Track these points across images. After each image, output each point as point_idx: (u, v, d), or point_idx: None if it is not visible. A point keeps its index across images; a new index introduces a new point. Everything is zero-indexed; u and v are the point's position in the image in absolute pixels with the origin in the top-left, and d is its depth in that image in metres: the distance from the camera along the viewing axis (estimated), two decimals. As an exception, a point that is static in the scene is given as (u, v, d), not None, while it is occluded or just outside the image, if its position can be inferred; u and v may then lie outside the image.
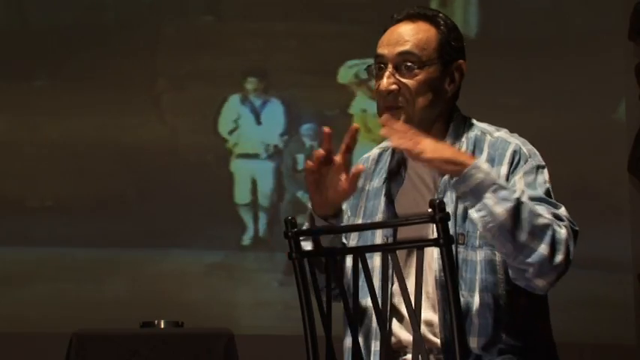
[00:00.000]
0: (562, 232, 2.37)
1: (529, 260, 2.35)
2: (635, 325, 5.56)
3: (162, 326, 4.72)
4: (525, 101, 5.86)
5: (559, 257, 2.35)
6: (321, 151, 2.43)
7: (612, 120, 5.79)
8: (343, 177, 2.45)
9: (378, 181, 2.62)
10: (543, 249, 2.34)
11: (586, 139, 5.75)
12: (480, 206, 2.33)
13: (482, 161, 2.38)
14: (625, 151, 5.71)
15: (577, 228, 2.43)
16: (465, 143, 2.54)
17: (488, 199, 2.32)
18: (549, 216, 2.37)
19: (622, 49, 5.76)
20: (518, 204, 2.33)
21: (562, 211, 2.44)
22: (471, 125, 2.59)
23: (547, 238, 2.34)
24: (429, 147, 2.34)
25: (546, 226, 2.35)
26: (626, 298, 5.55)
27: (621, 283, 5.56)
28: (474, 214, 2.35)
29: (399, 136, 2.36)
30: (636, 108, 5.66)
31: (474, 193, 2.33)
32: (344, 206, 2.66)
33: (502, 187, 2.34)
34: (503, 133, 2.56)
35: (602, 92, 5.79)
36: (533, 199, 2.42)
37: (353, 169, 2.44)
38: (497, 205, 2.32)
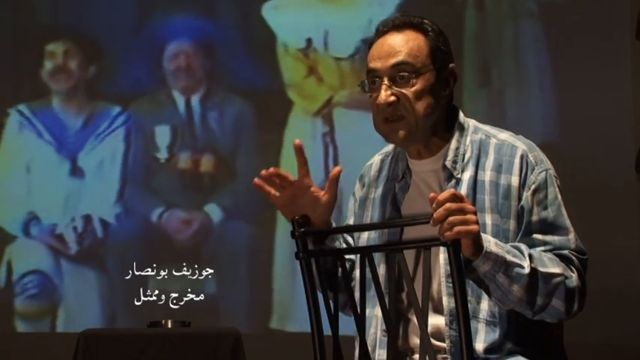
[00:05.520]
0: (574, 278, 2.39)
1: (547, 316, 2.39)
2: (644, 325, 5.56)
3: (169, 326, 4.72)
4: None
5: (574, 307, 2.40)
6: (271, 171, 2.42)
7: (618, 119, 5.77)
8: (314, 189, 2.43)
9: (383, 189, 2.61)
10: (560, 305, 2.38)
11: (593, 138, 5.73)
12: (494, 287, 2.34)
13: (491, 244, 2.31)
14: (632, 150, 5.70)
15: (586, 257, 2.45)
16: (469, 147, 2.52)
17: (503, 282, 2.32)
18: (559, 270, 2.38)
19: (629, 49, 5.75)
20: (531, 277, 2.34)
21: (571, 238, 2.45)
22: (475, 128, 2.57)
23: (561, 294, 2.37)
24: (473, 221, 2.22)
25: (559, 284, 2.37)
26: (636, 297, 5.54)
27: (631, 282, 5.55)
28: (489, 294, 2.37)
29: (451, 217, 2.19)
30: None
31: (487, 277, 2.33)
32: (350, 220, 2.66)
33: (512, 264, 2.32)
34: (508, 136, 2.54)
35: (608, 92, 5.78)
36: (543, 223, 2.43)
37: (331, 173, 2.42)
38: (512, 285, 2.33)
